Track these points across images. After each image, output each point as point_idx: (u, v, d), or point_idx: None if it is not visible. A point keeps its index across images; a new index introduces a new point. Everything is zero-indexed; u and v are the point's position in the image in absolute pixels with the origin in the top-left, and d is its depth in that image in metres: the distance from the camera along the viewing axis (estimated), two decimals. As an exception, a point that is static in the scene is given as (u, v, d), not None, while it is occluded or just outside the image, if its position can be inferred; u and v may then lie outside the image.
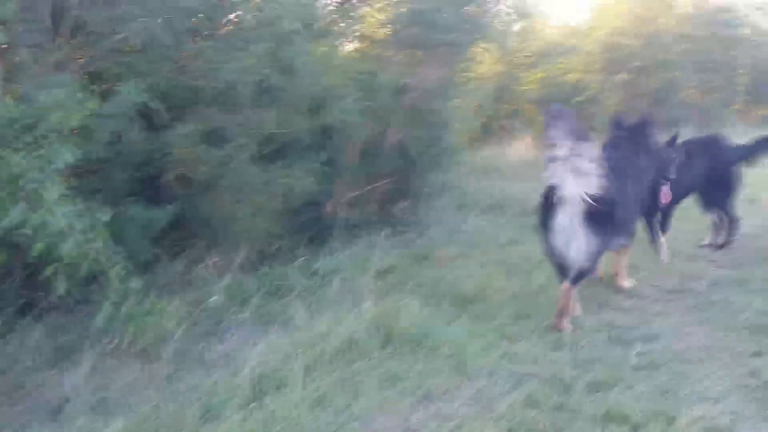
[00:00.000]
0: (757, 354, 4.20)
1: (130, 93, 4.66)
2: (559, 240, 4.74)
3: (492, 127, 13.33)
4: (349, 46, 7.71)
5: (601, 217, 4.63)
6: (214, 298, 5.01)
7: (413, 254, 6.24)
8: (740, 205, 7.87)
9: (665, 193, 6.17)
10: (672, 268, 6.06)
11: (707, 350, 4.30)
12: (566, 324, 4.75)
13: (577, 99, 15.14)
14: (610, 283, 5.60)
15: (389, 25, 7.80)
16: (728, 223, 6.83)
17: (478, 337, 4.43)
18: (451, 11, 7.64)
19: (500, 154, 12.20)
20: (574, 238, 4.69)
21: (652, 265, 6.11)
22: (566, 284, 4.81)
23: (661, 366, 4.07)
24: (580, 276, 4.85)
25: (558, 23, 17.23)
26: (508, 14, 13.07)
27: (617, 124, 5.78)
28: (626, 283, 5.60)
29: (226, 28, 5.95)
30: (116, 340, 4.28)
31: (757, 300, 5.03)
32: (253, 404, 3.64)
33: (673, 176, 6.16)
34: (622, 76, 15.96)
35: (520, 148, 13.07)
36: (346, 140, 6.77)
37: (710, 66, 17.61)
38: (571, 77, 15.25)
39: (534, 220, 5.10)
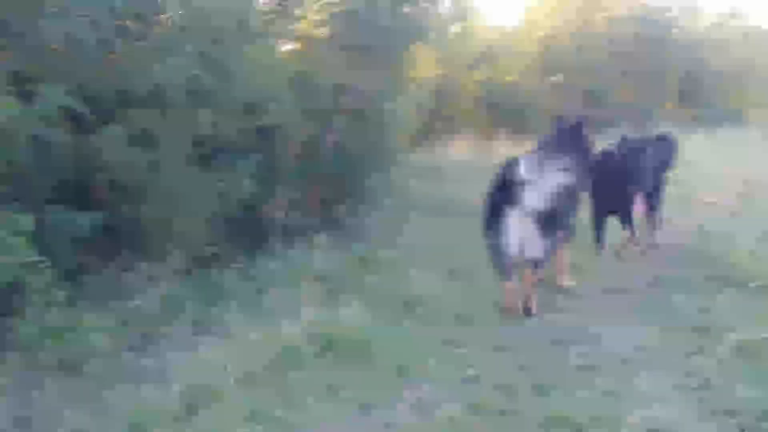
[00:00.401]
0: (696, 353, 4.15)
1: (53, 95, 4.40)
2: (513, 237, 4.73)
3: (433, 129, 13.26)
4: (286, 47, 7.49)
5: (550, 213, 4.76)
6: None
7: (354, 258, 6.08)
8: (676, 204, 7.97)
9: (638, 205, 6.15)
10: (611, 268, 6.02)
11: (647, 350, 4.24)
12: (536, 305, 4.90)
13: (515, 100, 15.27)
14: (552, 282, 5.52)
15: (326, 25, 7.64)
16: (659, 219, 6.78)
17: (421, 343, 4.29)
18: (387, 12, 7.52)
19: (442, 155, 12.13)
20: (529, 234, 4.75)
21: (593, 264, 6.06)
22: (528, 272, 4.90)
23: (602, 368, 3.99)
24: (538, 265, 4.95)
25: (495, 25, 17.29)
26: (446, 16, 13.08)
27: (556, 124, 5.80)
28: (567, 282, 5.55)
29: (157, 27, 5.71)
30: (39, 354, 4.02)
31: (695, 299, 5.01)
32: (184, 419, 3.44)
33: (648, 189, 6.14)
34: (558, 78, 16.13)
35: (462, 150, 13.05)
36: (284, 142, 6.59)
37: (642, 67, 17.95)
38: (509, 79, 15.34)
39: (481, 220, 4.99)
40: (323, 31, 7.66)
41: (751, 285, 5.16)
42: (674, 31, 18.72)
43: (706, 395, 3.65)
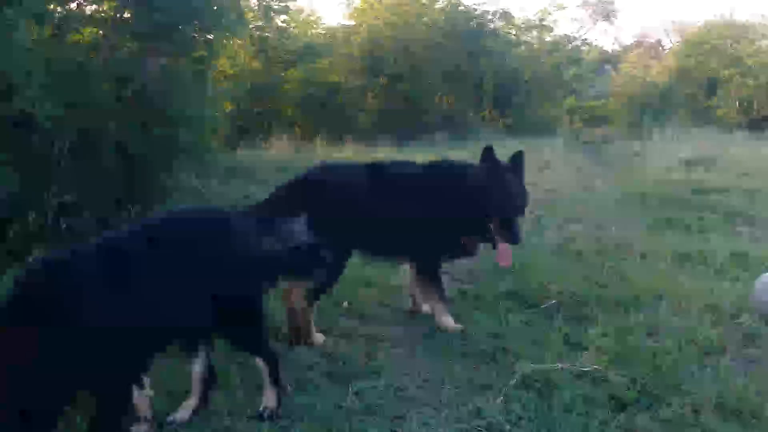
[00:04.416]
0: (485, 387, 3.51)
1: None
2: None
3: (249, 126, 12.31)
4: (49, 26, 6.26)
5: None
6: None
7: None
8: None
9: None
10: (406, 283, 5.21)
11: (431, 385, 3.53)
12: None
13: (338, 100, 14.63)
14: (338, 302, 4.62)
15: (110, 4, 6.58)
16: None
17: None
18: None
19: (256, 155, 11.19)
20: None
21: (385, 278, 5.18)
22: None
23: (379, 409, 3.24)
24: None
25: (319, 23, 16.56)
26: (264, 8, 12.14)
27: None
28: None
29: None
30: None
31: (486, 320, 4.40)
32: None
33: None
34: (381, 81, 15.65)
35: (281, 150, 12.20)
36: (47, 136, 5.47)
37: (459, 74, 17.83)
38: (332, 78, 14.66)
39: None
40: (107, 11, 6.59)
41: (544, 305, 4.67)
42: (489, 38, 18.66)
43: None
